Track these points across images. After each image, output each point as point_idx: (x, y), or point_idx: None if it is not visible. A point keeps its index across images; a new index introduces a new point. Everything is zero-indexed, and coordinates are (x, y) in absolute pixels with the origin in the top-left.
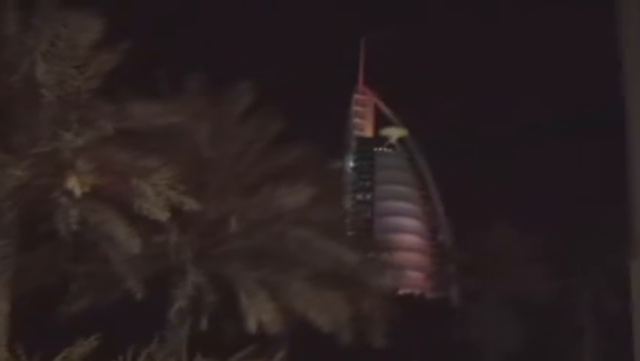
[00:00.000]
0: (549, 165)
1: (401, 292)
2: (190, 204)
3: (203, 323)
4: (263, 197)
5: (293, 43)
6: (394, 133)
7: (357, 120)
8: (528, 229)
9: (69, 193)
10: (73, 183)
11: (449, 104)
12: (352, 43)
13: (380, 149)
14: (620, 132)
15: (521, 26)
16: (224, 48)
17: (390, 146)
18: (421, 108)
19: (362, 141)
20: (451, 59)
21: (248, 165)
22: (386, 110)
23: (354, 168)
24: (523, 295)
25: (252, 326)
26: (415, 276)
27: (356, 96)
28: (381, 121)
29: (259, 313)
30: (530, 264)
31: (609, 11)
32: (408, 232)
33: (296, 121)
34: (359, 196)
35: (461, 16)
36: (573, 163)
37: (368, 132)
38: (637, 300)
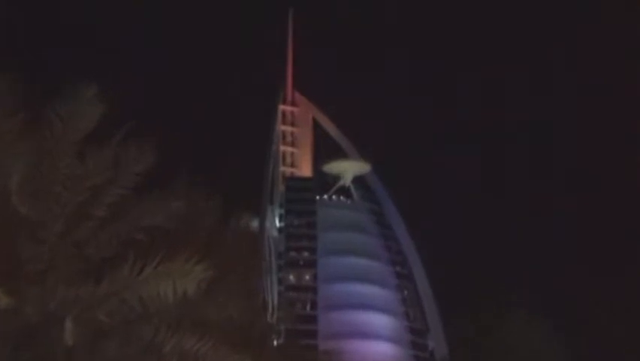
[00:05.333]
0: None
1: None
2: None
3: None
4: (119, 283)
5: (172, 24)
6: (348, 169)
7: (285, 149)
8: (555, 323)
9: None
10: None
11: (424, 117)
12: (276, 19)
13: (325, 196)
14: None
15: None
16: (49, 33)
17: (343, 191)
18: (388, 126)
19: (295, 183)
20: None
21: (93, 227)
22: (333, 130)
23: (282, 230)
24: None
25: None
26: None
27: (283, 108)
28: (325, 149)
29: None
30: None
31: None
32: (374, 337)
33: (181, 152)
34: (290, 277)
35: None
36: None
37: (304, 169)
38: None
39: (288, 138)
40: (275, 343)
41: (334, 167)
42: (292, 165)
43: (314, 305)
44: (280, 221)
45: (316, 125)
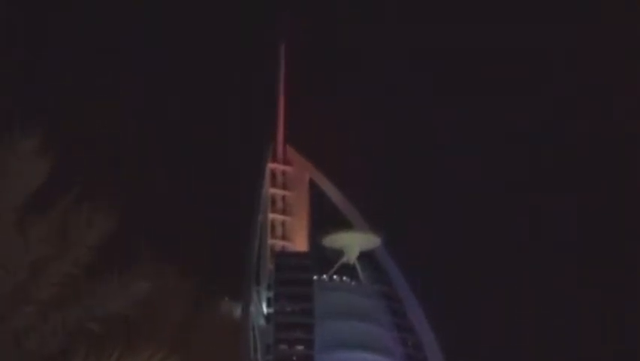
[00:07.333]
0: None
1: None
2: None
3: None
4: None
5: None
6: (353, 243)
7: (275, 217)
8: None
9: None
10: None
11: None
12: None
13: (324, 277)
14: None
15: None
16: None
17: (346, 270)
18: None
19: (286, 260)
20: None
21: (34, 315)
22: (334, 193)
23: (270, 318)
24: None
25: None
26: None
27: (272, 166)
28: (324, 218)
29: None
30: None
31: None
32: None
33: (147, 220)
34: None
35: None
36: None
37: (299, 242)
38: None
39: (279, 204)
40: None
41: (336, 240)
42: (283, 238)
43: None
44: (268, 307)
45: (311, 186)
